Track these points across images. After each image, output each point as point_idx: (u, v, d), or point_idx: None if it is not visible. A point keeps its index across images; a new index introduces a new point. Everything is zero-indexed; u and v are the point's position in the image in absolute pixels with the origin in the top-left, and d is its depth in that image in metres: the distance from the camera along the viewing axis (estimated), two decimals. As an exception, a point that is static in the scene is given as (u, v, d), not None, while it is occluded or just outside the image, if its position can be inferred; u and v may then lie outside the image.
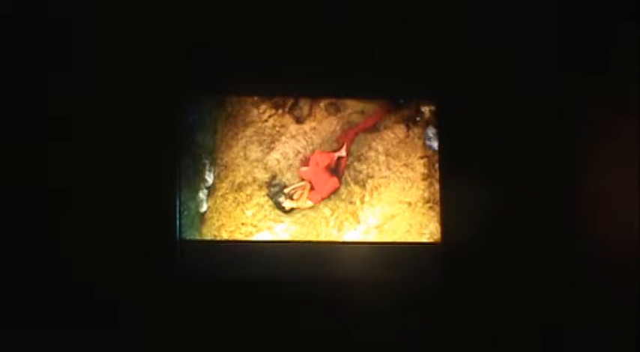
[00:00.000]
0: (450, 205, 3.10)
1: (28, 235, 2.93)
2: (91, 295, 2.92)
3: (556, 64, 3.06)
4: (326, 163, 3.10)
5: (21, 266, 2.91)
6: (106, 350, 2.88)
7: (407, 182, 3.13)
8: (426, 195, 3.12)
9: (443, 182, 3.12)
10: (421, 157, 3.13)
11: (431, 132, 3.14)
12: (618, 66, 2.77)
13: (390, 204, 3.12)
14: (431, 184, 3.13)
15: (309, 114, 3.13)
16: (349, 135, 3.12)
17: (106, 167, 3.00)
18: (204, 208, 3.06)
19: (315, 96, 3.14)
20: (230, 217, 3.06)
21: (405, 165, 3.14)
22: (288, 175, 3.09)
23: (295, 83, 3.12)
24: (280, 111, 3.12)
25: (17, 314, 2.85)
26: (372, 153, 3.13)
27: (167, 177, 3.05)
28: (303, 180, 3.09)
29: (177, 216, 3.05)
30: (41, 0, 3.00)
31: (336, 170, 3.11)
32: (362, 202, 3.11)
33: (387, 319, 2.97)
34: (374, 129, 3.13)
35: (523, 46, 3.08)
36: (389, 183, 3.12)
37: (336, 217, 3.09)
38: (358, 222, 3.09)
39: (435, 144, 3.14)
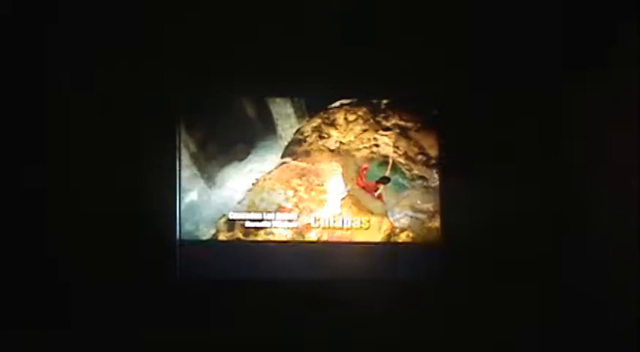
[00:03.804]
0: (450, 205, 3.10)
1: (27, 235, 2.93)
2: (91, 295, 2.92)
3: (556, 63, 3.06)
4: None
5: (21, 267, 2.91)
6: (106, 350, 2.88)
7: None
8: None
9: (443, 182, 3.13)
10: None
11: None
12: (618, 66, 2.78)
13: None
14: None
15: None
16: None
17: (105, 167, 3.00)
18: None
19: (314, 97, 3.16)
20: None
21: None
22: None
23: (295, 84, 3.13)
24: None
25: (15, 314, 2.85)
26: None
27: (167, 177, 3.05)
28: None
29: (178, 216, 3.05)
30: (41, 0, 3.00)
31: None
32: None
33: (387, 319, 2.97)
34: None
35: (523, 46, 3.08)
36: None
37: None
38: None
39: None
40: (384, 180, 3.13)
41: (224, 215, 3.07)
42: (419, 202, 3.14)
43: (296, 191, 3.11)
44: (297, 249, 3.08)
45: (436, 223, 3.12)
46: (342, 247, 3.10)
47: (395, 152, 3.15)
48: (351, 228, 3.11)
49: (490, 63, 3.11)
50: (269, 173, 3.11)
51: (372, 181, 3.13)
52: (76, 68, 3.04)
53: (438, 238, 3.11)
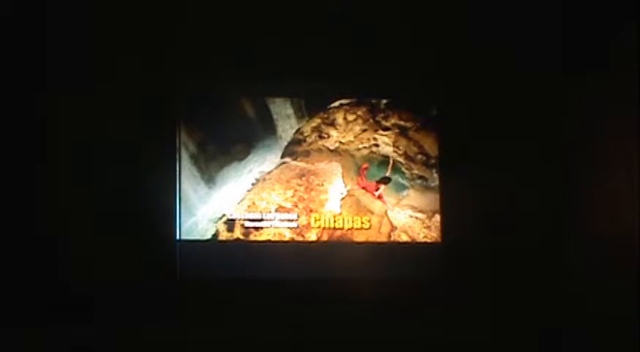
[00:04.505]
0: (450, 205, 3.10)
1: (28, 235, 2.93)
2: (91, 295, 2.92)
3: (556, 64, 3.06)
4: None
5: (21, 267, 2.91)
6: (106, 349, 2.88)
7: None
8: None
9: (443, 182, 3.13)
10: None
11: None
12: (618, 66, 2.78)
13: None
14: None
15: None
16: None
17: (105, 167, 3.00)
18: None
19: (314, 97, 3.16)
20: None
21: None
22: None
23: (295, 84, 3.13)
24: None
25: (15, 314, 2.85)
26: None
27: (167, 177, 3.05)
28: None
29: (178, 216, 3.05)
30: (41, 0, 3.00)
31: None
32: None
33: (387, 318, 2.97)
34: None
35: (523, 46, 3.08)
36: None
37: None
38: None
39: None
40: (386, 180, 3.13)
41: (224, 215, 3.07)
42: (418, 202, 3.14)
43: (296, 191, 3.11)
44: (297, 249, 3.08)
45: (436, 223, 3.12)
46: (342, 247, 3.10)
47: (395, 152, 3.15)
48: (352, 228, 3.11)
49: (490, 63, 3.11)
50: (269, 173, 3.11)
51: (373, 181, 3.13)
52: (76, 68, 3.04)
53: (438, 238, 3.11)
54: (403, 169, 3.14)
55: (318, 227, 3.10)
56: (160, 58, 3.08)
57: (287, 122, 3.14)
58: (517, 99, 3.10)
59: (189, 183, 3.07)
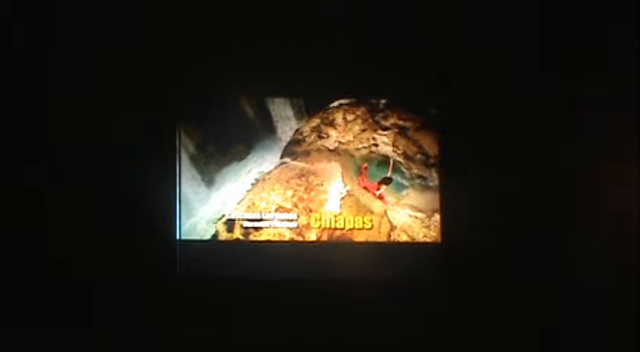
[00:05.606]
0: (450, 205, 3.10)
1: (28, 234, 2.94)
2: (91, 295, 2.92)
3: (556, 64, 3.06)
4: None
5: (21, 266, 2.92)
6: (106, 350, 2.89)
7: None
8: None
9: (443, 182, 3.13)
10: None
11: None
12: (618, 66, 2.77)
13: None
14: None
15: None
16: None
17: (105, 167, 3.01)
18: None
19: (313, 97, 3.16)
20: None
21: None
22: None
23: (295, 84, 3.13)
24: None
25: (15, 314, 2.85)
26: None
27: (167, 177, 3.05)
28: None
29: (178, 216, 3.05)
30: (41, 0, 3.00)
31: None
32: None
33: (387, 319, 2.97)
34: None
35: (523, 46, 3.08)
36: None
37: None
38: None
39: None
40: (387, 180, 3.13)
41: (223, 215, 3.08)
42: (418, 201, 3.14)
43: (295, 191, 3.11)
44: (296, 249, 3.08)
45: (435, 222, 3.12)
46: (342, 247, 3.10)
47: (394, 151, 3.15)
48: (352, 228, 3.11)
49: (490, 62, 3.10)
50: (268, 173, 3.12)
51: (374, 182, 3.13)
52: (76, 68, 3.04)
53: (438, 237, 3.11)
54: (403, 169, 3.14)
55: (318, 227, 3.10)
56: (160, 59, 3.08)
57: (287, 123, 3.14)
58: (517, 99, 3.10)
59: (188, 184, 3.07)
